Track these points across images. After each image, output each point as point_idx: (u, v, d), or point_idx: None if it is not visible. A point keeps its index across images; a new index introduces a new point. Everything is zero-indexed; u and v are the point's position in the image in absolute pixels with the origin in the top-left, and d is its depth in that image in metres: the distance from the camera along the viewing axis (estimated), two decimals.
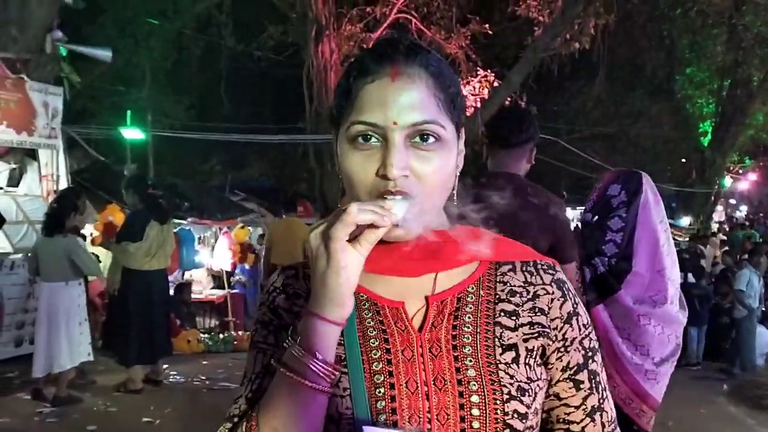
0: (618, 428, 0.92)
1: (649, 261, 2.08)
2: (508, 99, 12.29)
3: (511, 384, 0.81)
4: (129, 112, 12.18)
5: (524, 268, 0.90)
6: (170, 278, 7.13)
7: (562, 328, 0.87)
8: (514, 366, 0.82)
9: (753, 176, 24.79)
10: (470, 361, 0.81)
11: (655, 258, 2.08)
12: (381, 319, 0.85)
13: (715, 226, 18.77)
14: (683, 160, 20.06)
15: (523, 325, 0.85)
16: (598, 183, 2.32)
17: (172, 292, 7.51)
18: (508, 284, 0.88)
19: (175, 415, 5.29)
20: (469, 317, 0.85)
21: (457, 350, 0.82)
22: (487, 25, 13.50)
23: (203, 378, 6.53)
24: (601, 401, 0.89)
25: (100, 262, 6.76)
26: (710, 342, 7.52)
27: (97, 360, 6.09)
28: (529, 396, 0.82)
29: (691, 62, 17.51)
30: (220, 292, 9.34)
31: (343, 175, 0.83)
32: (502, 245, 0.90)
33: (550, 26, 12.84)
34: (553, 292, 0.88)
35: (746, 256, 8.76)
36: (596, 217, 2.18)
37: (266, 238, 7.59)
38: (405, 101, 0.78)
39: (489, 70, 13.42)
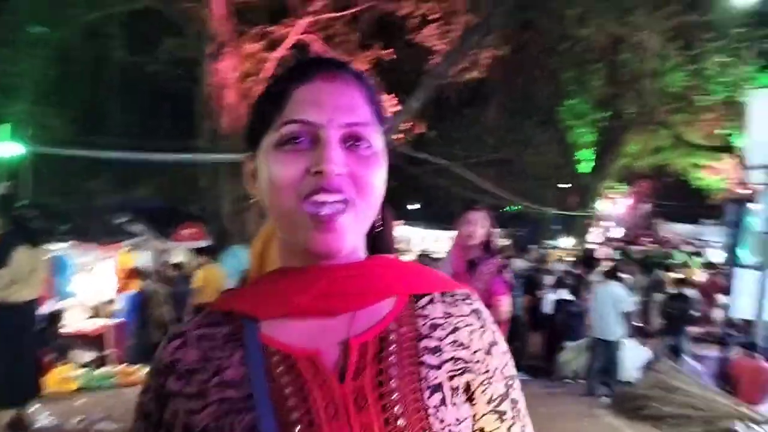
0: None
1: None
2: (408, 124, 12.57)
3: (442, 430, 0.75)
4: (7, 126, 11.26)
5: (443, 299, 0.84)
6: (42, 309, 6.50)
7: (484, 359, 0.83)
8: (442, 409, 0.76)
9: (626, 201, 27.04)
10: (399, 409, 0.74)
11: None
12: (297, 374, 0.75)
13: (593, 247, 20.12)
14: (566, 186, 21.36)
15: (446, 361, 0.79)
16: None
17: (43, 323, 6.83)
18: (429, 317, 0.82)
19: None
20: (393, 358, 0.77)
21: (384, 398, 0.74)
22: (389, 51, 13.80)
23: (80, 419, 6.00)
24: (524, 427, 0.87)
25: None
26: (596, 355, 7.97)
27: None
28: None
29: (574, 94, 18.77)
30: (98, 322, 8.59)
31: (265, 189, 0.78)
32: (419, 275, 0.86)
33: (447, 55, 13.32)
34: (472, 323, 0.83)
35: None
36: None
37: (197, 279, 7.22)
38: (340, 101, 0.76)
39: (391, 95, 13.69)
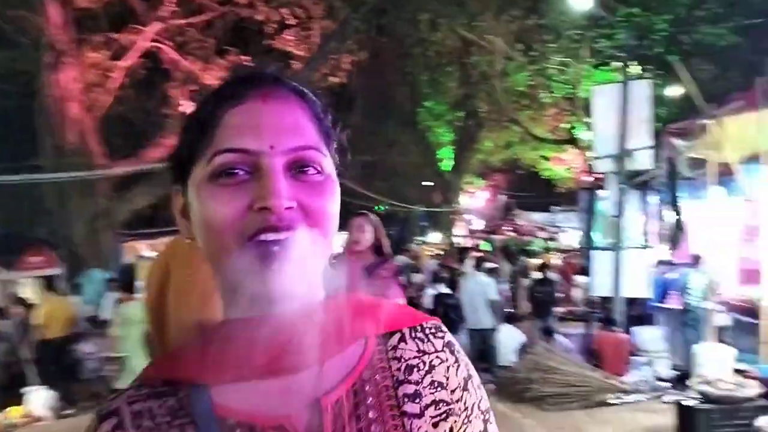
0: None
1: None
2: None
3: None
4: None
5: (413, 335, 0.75)
6: None
7: (462, 397, 0.74)
8: None
9: (483, 194, 28.73)
10: None
11: None
12: None
13: (458, 240, 21.12)
14: (430, 184, 22.19)
15: (428, 406, 0.71)
16: None
17: None
18: (403, 359, 0.73)
19: None
20: (373, 413, 0.67)
21: None
22: (246, 57, 13.47)
23: None
24: None
25: None
26: (473, 345, 8.29)
27: None
28: None
29: (431, 96, 19.53)
30: None
31: (200, 229, 0.66)
32: (384, 312, 0.75)
33: (308, 61, 13.28)
34: (447, 359, 0.75)
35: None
36: None
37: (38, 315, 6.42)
38: (281, 123, 0.65)
39: None
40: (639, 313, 8.93)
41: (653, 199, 9.16)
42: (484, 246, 18.42)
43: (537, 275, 10.19)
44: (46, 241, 12.23)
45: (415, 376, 0.72)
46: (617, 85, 8.73)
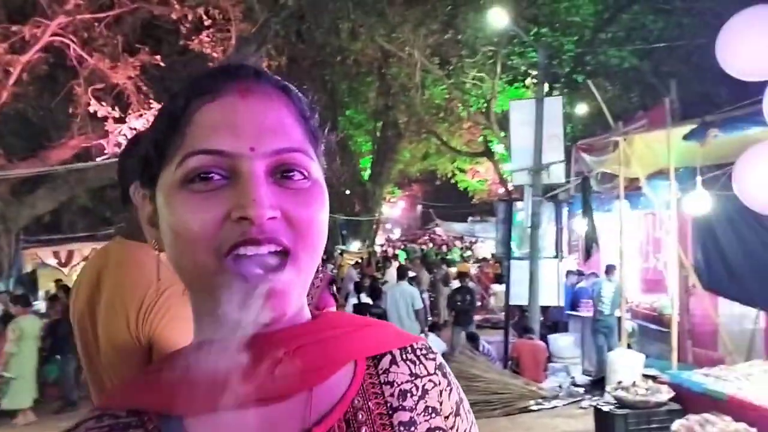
0: None
1: None
2: None
3: None
4: None
5: (404, 357, 0.70)
6: None
7: (455, 424, 0.71)
8: None
9: (402, 203, 29.18)
10: None
11: None
12: None
13: (378, 248, 21.27)
14: (348, 192, 22.21)
15: None
16: None
17: None
18: (395, 383, 0.67)
19: None
20: None
21: None
22: (158, 57, 12.95)
23: None
24: None
25: None
26: None
27: None
28: None
29: (350, 105, 19.56)
30: None
31: (169, 240, 0.58)
32: (374, 332, 0.71)
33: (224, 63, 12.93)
34: (439, 382, 0.70)
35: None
36: None
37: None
38: (263, 122, 0.58)
39: (161, 104, 12.84)
40: (553, 321, 9.31)
41: (565, 211, 9.58)
42: (401, 255, 18.65)
43: (456, 284, 10.39)
44: None
45: (408, 402, 0.67)
46: (532, 101, 9.12)
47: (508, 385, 6.39)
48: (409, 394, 0.67)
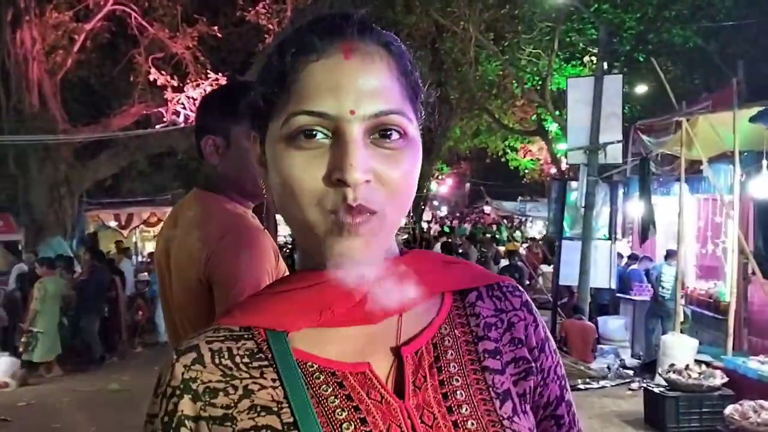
0: None
1: None
2: None
3: None
4: None
5: (490, 294, 0.74)
6: None
7: (539, 358, 0.73)
8: (516, 419, 0.67)
9: (450, 181, 29.00)
10: (472, 424, 0.64)
11: None
12: (347, 392, 0.63)
13: (424, 225, 21.27)
14: None
15: (508, 363, 0.70)
16: None
17: None
18: (481, 316, 0.72)
19: None
20: (454, 367, 0.67)
21: (453, 413, 0.64)
22: (215, 27, 13.15)
23: None
24: None
25: None
26: None
27: None
28: None
29: None
30: None
31: (276, 188, 0.65)
32: (461, 269, 0.75)
33: (281, 35, 13.03)
34: (525, 317, 0.73)
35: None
36: None
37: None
38: (364, 85, 0.61)
39: (221, 74, 13.06)
40: (599, 303, 9.20)
41: (621, 192, 9.40)
42: (448, 231, 18.62)
43: (504, 262, 10.37)
44: (5, 208, 11.81)
45: (494, 334, 0.71)
46: (591, 79, 8.90)
47: None
48: (494, 327, 0.71)
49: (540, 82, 15.38)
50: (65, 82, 12.73)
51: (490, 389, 0.67)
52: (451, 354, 0.68)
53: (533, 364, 0.72)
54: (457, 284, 0.73)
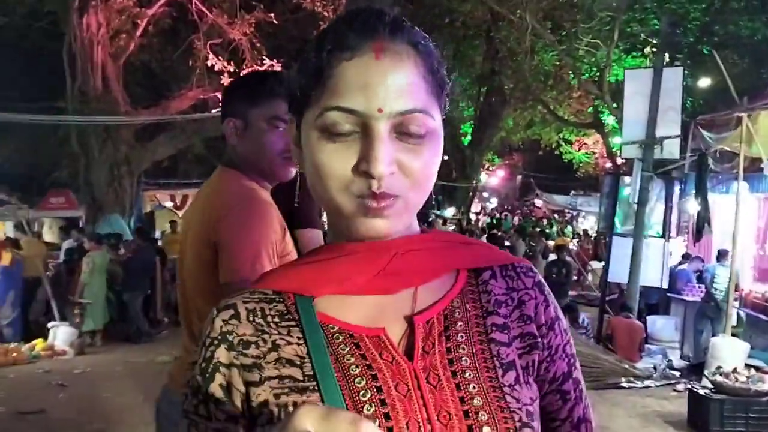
0: None
1: None
2: None
3: (519, 409, 0.71)
4: None
5: (504, 273, 0.80)
6: None
7: (547, 335, 0.79)
8: (517, 387, 0.73)
9: (501, 172, 28.61)
10: (474, 387, 0.70)
11: None
12: (362, 352, 0.71)
13: (473, 216, 21.09)
14: (446, 158, 22.08)
15: (515, 338, 0.76)
16: None
17: None
18: (492, 293, 0.78)
19: None
20: (461, 336, 0.73)
21: (457, 377, 0.70)
22: (272, 14, 13.32)
23: None
24: (585, 410, 0.85)
25: None
26: None
27: None
28: (536, 420, 0.73)
29: (455, 69, 19.24)
30: None
31: (309, 169, 0.72)
32: (477, 248, 0.82)
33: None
34: (536, 297, 0.79)
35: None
36: None
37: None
38: (392, 84, 0.67)
39: (276, 60, 13.26)
40: (651, 302, 8.96)
41: (677, 189, 9.10)
42: (495, 224, 18.40)
43: (552, 257, 10.21)
44: (66, 185, 12.35)
45: (503, 310, 0.77)
46: (650, 71, 8.59)
47: (598, 359, 6.27)
48: (504, 304, 0.78)
49: (598, 74, 14.94)
50: (127, 65, 13.16)
51: (495, 359, 0.73)
52: (460, 325, 0.74)
53: (539, 340, 0.78)
54: (472, 262, 0.79)
